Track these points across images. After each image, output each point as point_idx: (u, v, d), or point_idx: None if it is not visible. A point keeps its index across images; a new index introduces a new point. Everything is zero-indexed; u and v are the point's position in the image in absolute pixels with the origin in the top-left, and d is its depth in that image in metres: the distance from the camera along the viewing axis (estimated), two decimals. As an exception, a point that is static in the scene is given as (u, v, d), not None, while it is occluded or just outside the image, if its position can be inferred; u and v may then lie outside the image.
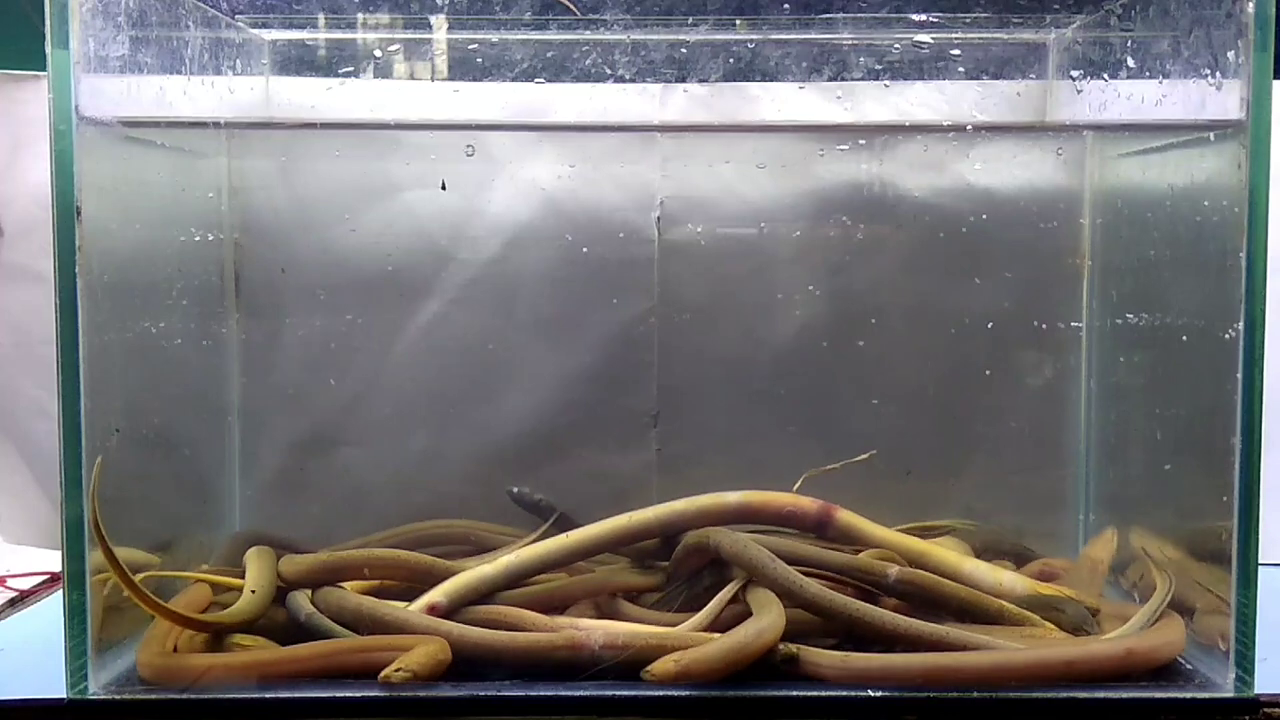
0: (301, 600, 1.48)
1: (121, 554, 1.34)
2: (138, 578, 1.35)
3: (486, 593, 1.51)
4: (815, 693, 1.32)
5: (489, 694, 1.32)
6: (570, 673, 1.35)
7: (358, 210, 1.77)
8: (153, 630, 1.40)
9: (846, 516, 1.59)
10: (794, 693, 1.32)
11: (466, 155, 1.74)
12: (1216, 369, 1.35)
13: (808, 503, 1.60)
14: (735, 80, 1.78)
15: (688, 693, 1.32)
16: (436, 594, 1.49)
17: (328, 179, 1.77)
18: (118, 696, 1.33)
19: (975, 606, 1.45)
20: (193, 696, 1.33)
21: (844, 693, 1.32)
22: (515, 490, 1.73)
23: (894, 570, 1.46)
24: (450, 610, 1.48)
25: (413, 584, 1.55)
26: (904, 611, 1.43)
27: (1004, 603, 1.46)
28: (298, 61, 1.78)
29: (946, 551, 1.58)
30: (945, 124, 1.78)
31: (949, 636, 1.36)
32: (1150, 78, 1.54)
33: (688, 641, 1.36)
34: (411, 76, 1.75)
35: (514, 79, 1.75)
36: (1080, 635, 1.41)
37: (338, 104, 1.75)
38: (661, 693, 1.32)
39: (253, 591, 1.49)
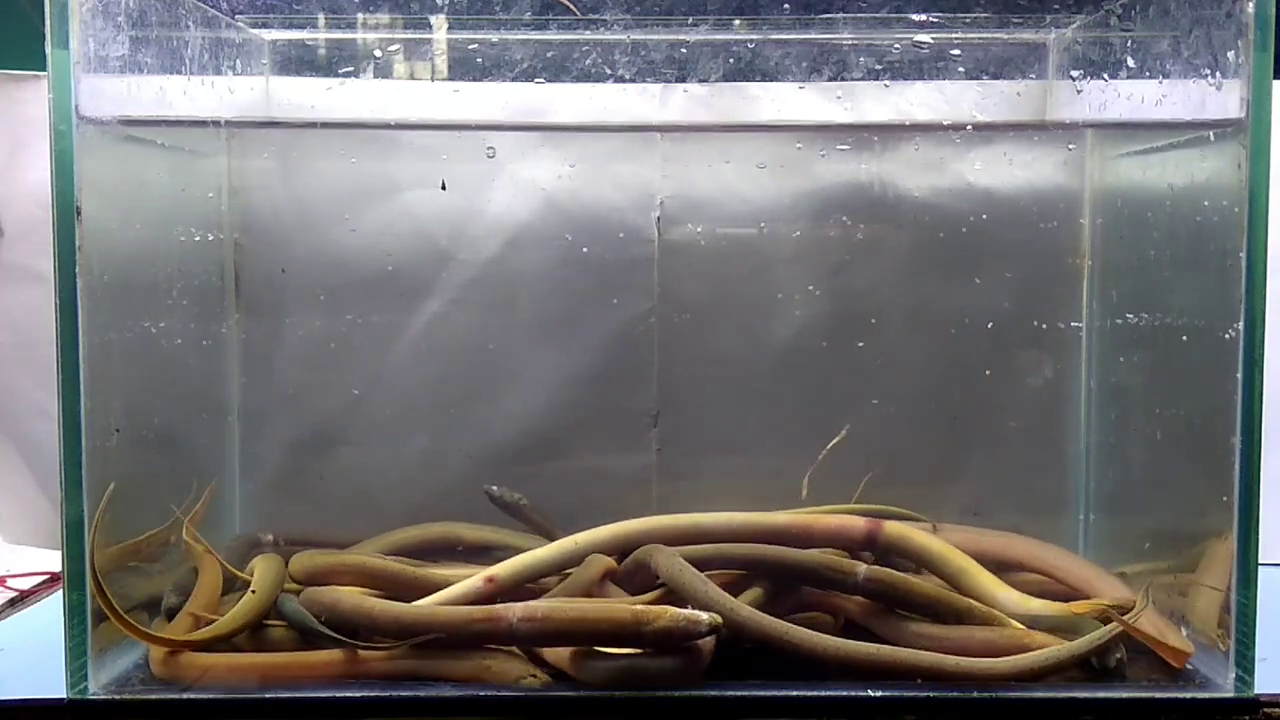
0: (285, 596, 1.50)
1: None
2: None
3: (541, 574, 1.52)
4: (815, 692, 1.32)
5: (488, 694, 1.32)
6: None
7: (358, 210, 1.77)
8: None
9: (894, 530, 1.56)
10: (793, 693, 1.32)
11: (487, 156, 1.74)
12: (1216, 369, 1.35)
13: (855, 522, 1.57)
14: (735, 80, 1.78)
15: (686, 693, 1.32)
16: (497, 568, 1.51)
17: (328, 179, 1.77)
18: (118, 696, 1.34)
19: (943, 605, 1.45)
20: (193, 696, 1.33)
21: (844, 692, 1.32)
22: (495, 490, 1.71)
23: (862, 569, 1.45)
24: (506, 583, 1.49)
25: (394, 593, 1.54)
26: (873, 610, 1.44)
27: (972, 602, 1.45)
28: (298, 61, 1.78)
29: (984, 573, 1.53)
30: (945, 124, 1.78)
31: (879, 655, 1.35)
32: (1150, 78, 1.54)
33: (608, 613, 1.34)
34: (411, 76, 1.75)
35: (514, 79, 1.75)
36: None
37: (338, 104, 1.75)
38: (661, 693, 1.32)
39: (253, 592, 1.49)
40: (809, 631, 1.35)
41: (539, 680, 1.31)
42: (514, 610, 1.34)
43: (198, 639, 1.40)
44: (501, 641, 1.35)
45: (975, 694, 1.31)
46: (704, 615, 1.31)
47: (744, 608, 1.37)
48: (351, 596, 1.45)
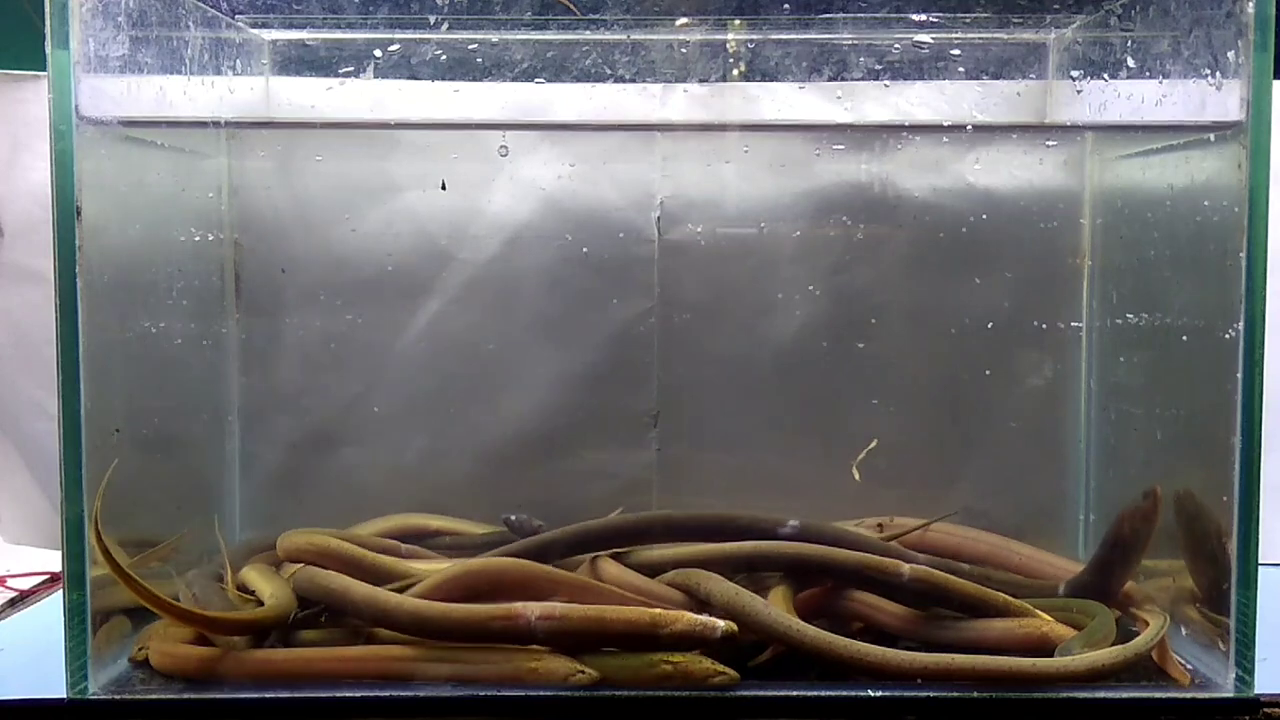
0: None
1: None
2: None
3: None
4: (815, 693, 1.32)
5: (488, 694, 1.32)
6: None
7: (358, 210, 1.78)
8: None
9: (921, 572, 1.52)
10: (794, 693, 1.32)
11: (500, 154, 1.74)
12: (1216, 369, 1.35)
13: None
14: (735, 80, 1.78)
15: (687, 693, 1.32)
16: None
17: (328, 179, 1.77)
18: (118, 696, 1.34)
19: (983, 602, 1.45)
20: (192, 696, 1.33)
21: (844, 692, 1.32)
22: (512, 518, 1.68)
23: (907, 569, 1.45)
24: None
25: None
26: (905, 615, 1.45)
27: (1008, 598, 1.46)
28: (298, 61, 1.78)
29: None
30: (945, 124, 1.78)
31: (953, 664, 1.34)
32: (1150, 78, 1.54)
33: (627, 615, 1.35)
34: (412, 77, 1.75)
35: (514, 79, 1.75)
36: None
37: (338, 104, 1.75)
38: (662, 694, 1.32)
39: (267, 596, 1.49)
40: (880, 649, 1.36)
41: (588, 678, 1.30)
42: (532, 609, 1.35)
43: (223, 619, 1.40)
44: (519, 640, 1.35)
45: (975, 694, 1.31)
46: (720, 621, 1.33)
47: (809, 629, 1.37)
48: (364, 588, 1.44)
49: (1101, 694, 1.32)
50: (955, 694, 1.31)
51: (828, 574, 1.49)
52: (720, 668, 1.31)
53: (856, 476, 1.68)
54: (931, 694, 1.32)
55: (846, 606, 1.48)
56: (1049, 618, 1.43)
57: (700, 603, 1.42)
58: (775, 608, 1.40)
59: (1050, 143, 1.75)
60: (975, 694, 1.31)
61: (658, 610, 1.35)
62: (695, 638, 1.32)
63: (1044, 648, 1.37)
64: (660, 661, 1.31)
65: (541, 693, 1.32)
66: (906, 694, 1.32)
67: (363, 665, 1.37)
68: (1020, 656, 1.35)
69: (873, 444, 1.70)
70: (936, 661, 1.34)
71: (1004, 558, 1.64)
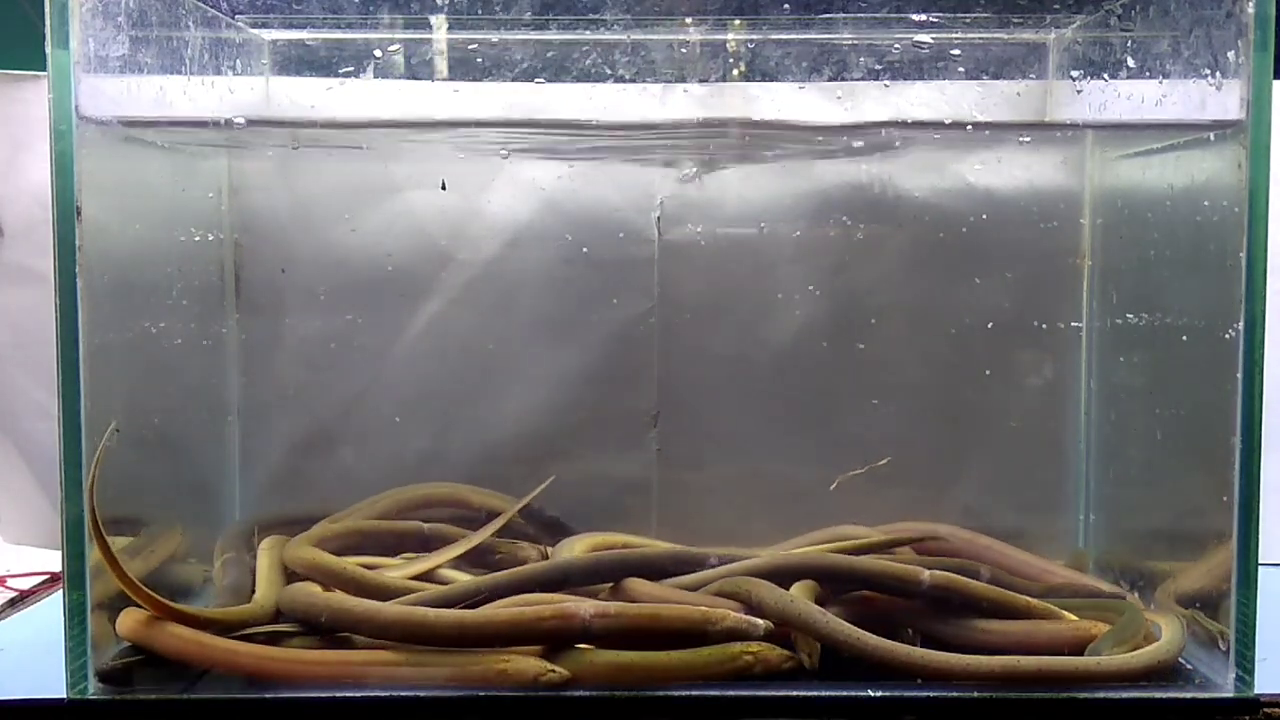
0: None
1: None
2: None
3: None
4: (815, 693, 1.32)
5: (488, 694, 1.32)
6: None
7: (358, 210, 1.78)
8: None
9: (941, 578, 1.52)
10: (794, 692, 1.32)
11: (501, 157, 1.74)
12: (1216, 369, 1.35)
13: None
14: (735, 80, 1.78)
15: (687, 693, 1.32)
16: None
17: (328, 179, 1.77)
18: (118, 696, 1.34)
19: (1004, 605, 1.46)
20: (192, 696, 1.33)
21: (844, 693, 1.32)
22: (558, 516, 1.71)
23: (926, 575, 1.46)
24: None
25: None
26: (933, 616, 1.45)
27: (1031, 600, 1.47)
28: (298, 61, 1.78)
29: None
30: (945, 124, 1.78)
31: (1018, 667, 1.35)
32: (1150, 78, 1.54)
33: (679, 612, 1.38)
34: (412, 77, 1.75)
35: (514, 79, 1.75)
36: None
37: (338, 104, 1.75)
38: (662, 693, 1.32)
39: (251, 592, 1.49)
40: (942, 654, 1.36)
41: (559, 676, 1.31)
42: (585, 607, 1.36)
43: (202, 615, 1.40)
44: (573, 639, 1.36)
45: (975, 694, 1.31)
46: (760, 620, 1.37)
47: (870, 638, 1.37)
48: (392, 607, 1.42)
49: (1101, 694, 1.32)
50: (955, 694, 1.31)
51: (852, 582, 1.50)
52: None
53: (832, 486, 1.68)
54: (931, 694, 1.32)
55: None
56: (1074, 617, 1.44)
57: (753, 610, 1.43)
58: (834, 617, 1.39)
59: (1025, 138, 1.75)
60: (975, 694, 1.31)
61: (705, 608, 1.39)
62: (740, 633, 1.36)
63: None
64: (743, 653, 1.35)
65: (541, 694, 1.32)
66: (906, 694, 1.32)
67: (329, 670, 1.36)
68: (1070, 656, 1.36)
69: (884, 461, 1.70)
70: (1004, 664, 1.34)
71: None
